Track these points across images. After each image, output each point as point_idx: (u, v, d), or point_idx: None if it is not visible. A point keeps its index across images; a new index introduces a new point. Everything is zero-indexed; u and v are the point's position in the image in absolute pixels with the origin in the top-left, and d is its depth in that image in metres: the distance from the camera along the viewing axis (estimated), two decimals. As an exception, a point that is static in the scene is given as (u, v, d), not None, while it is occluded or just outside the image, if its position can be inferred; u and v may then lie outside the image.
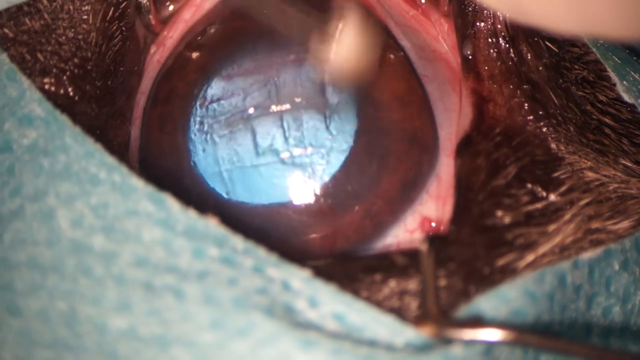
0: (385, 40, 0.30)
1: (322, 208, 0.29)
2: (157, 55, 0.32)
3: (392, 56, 0.30)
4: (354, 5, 0.29)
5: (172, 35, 0.32)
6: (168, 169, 0.30)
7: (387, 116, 0.29)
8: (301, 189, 0.29)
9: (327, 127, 0.29)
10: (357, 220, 0.29)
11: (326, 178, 0.29)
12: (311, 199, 0.29)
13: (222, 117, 0.30)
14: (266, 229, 0.29)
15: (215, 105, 0.30)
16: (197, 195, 0.29)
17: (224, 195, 0.29)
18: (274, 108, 0.30)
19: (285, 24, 0.30)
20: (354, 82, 0.29)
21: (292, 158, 0.29)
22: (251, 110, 0.30)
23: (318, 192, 0.29)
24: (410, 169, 0.29)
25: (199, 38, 0.31)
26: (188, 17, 0.32)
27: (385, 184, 0.29)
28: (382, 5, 0.32)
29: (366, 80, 0.30)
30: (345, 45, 0.28)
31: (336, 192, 0.29)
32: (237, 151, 0.29)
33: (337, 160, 0.29)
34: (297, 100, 0.30)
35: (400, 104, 0.30)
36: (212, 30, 0.31)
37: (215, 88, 0.30)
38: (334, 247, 0.29)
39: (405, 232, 0.29)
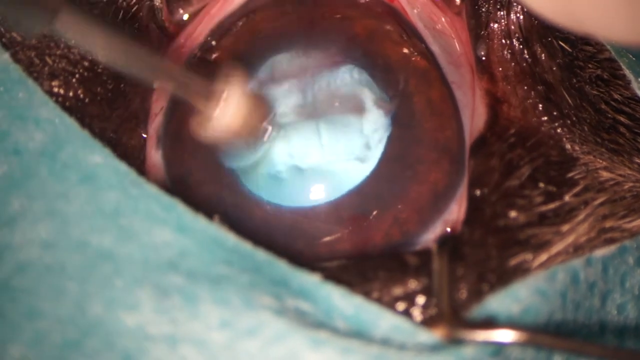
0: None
1: (352, 214, 0.29)
2: (178, 57, 0.32)
3: (423, 62, 0.30)
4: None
5: (188, 40, 0.32)
6: (199, 168, 0.30)
7: (420, 124, 0.29)
8: (331, 194, 0.29)
9: (361, 134, 0.29)
10: (385, 228, 0.29)
11: (357, 184, 0.29)
12: (341, 205, 0.29)
13: None
14: (294, 233, 0.29)
15: None
16: (230, 195, 0.29)
17: (257, 195, 0.29)
18: (308, 113, 0.30)
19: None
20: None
21: (324, 163, 0.29)
22: (285, 115, 0.30)
23: (348, 198, 0.29)
24: (441, 180, 0.29)
25: (217, 42, 0.31)
26: (208, 17, 0.32)
27: (415, 193, 0.29)
28: (412, 6, 0.32)
29: (401, 87, 0.29)
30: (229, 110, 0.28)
31: (366, 198, 0.29)
32: (269, 153, 0.30)
33: (368, 167, 0.29)
34: (332, 106, 0.30)
35: (432, 113, 0.29)
36: (233, 35, 0.31)
37: None
38: (361, 254, 0.29)
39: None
